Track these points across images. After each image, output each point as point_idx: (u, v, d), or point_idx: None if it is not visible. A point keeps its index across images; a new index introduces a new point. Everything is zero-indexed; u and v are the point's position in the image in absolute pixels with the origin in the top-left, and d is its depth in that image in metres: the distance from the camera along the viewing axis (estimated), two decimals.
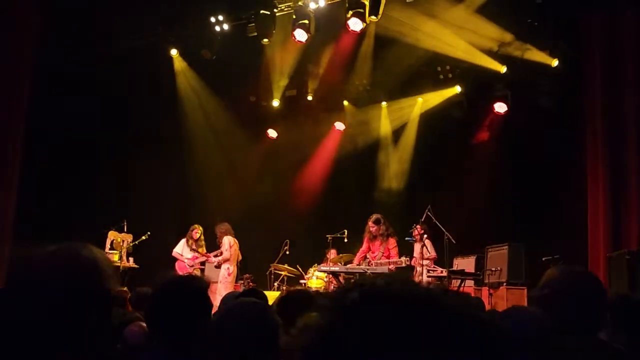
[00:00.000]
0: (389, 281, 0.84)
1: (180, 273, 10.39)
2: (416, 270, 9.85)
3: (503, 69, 10.84)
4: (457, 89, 11.84)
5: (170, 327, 2.35)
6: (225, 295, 4.71)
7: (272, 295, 6.98)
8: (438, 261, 9.82)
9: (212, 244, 11.01)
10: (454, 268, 9.62)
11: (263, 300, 3.20)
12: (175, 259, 10.95)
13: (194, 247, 10.96)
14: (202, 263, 11.16)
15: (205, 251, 11.07)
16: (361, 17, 9.60)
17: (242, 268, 11.04)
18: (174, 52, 11.99)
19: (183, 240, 11.00)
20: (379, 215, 9.83)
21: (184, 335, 2.30)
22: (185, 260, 10.87)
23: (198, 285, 2.54)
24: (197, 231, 10.95)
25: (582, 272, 2.59)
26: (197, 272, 10.79)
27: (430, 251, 9.78)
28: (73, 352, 1.31)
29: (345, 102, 13.27)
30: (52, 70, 10.41)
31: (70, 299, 1.32)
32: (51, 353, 1.29)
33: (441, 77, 11.91)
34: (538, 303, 2.45)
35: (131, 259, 11.11)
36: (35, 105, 9.94)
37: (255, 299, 2.70)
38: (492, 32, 10.24)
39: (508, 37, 10.24)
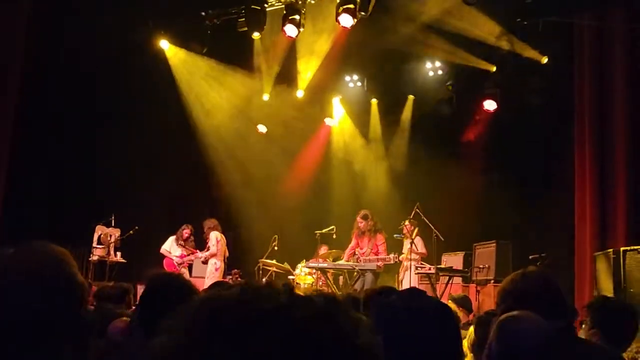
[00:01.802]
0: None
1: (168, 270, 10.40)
2: (404, 267, 9.89)
3: (493, 68, 10.88)
4: (449, 88, 11.87)
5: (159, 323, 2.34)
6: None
7: None
8: (426, 258, 9.85)
9: (200, 240, 10.99)
10: (442, 265, 9.66)
11: None
12: (163, 257, 10.91)
13: (181, 243, 10.92)
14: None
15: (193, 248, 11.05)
16: (352, 13, 9.58)
17: (231, 263, 11.02)
18: (164, 44, 11.89)
19: (171, 238, 10.96)
20: (367, 211, 9.85)
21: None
22: (174, 258, 10.83)
23: (188, 284, 2.56)
24: (188, 231, 10.92)
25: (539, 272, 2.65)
26: (185, 270, 10.77)
27: (419, 248, 9.81)
28: (44, 349, 1.31)
29: (336, 98, 13.27)
30: (43, 62, 10.33)
31: (34, 297, 1.31)
32: (21, 352, 1.28)
33: (431, 74, 11.93)
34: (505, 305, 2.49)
35: (119, 254, 11.07)
36: (25, 98, 9.87)
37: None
38: (483, 24, 10.22)
39: (498, 30, 10.24)
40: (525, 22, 9.93)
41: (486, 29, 10.19)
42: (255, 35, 10.91)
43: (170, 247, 10.89)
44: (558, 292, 2.48)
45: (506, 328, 2.17)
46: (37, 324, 1.30)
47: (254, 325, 0.76)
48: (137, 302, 2.62)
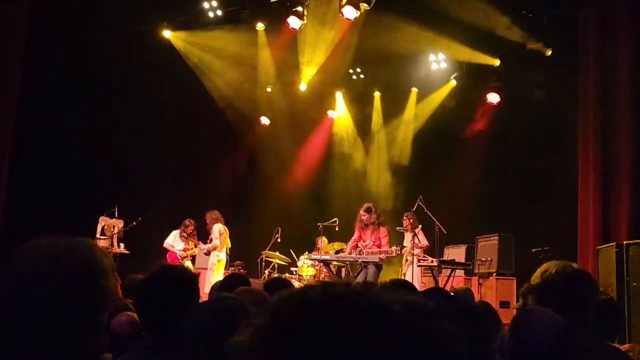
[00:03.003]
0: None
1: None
2: (406, 260, 9.91)
3: (496, 62, 10.87)
4: (453, 82, 11.86)
5: (159, 316, 2.34)
6: (213, 285, 4.73)
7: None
8: (429, 250, 9.86)
9: (203, 230, 11.00)
10: (445, 258, 9.66)
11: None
12: (166, 251, 10.93)
13: (184, 235, 10.93)
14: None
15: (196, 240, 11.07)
16: (355, 5, 9.56)
17: (234, 255, 11.04)
18: (167, 33, 11.82)
19: (175, 232, 10.96)
20: (370, 204, 9.85)
21: (172, 325, 2.29)
22: (177, 252, 10.85)
23: (188, 275, 2.53)
24: (191, 227, 10.92)
25: (579, 270, 2.61)
26: (189, 263, 10.79)
27: (421, 240, 9.82)
28: (63, 354, 1.29)
29: (339, 90, 13.25)
30: (45, 55, 10.31)
31: (59, 300, 1.28)
32: (38, 355, 1.27)
33: (435, 67, 11.90)
34: (535, 298, 2.47)
35: (122, 245, 11.09)
36: (27, 89, 9.86)
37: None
38: (488, 16, 10.17)
39: (503, 22, 10.20)
40: (530, 15, 9.89)
41: (491, 21, 10.15)
42: (259, 26, 10.89)
43: (174, 241, 10.90)
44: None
45: (520, 322, 2.20)
46: (39, 328, 1.26)
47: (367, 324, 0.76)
48: (138, 295, 2.59)
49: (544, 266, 2.52)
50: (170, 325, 2.29)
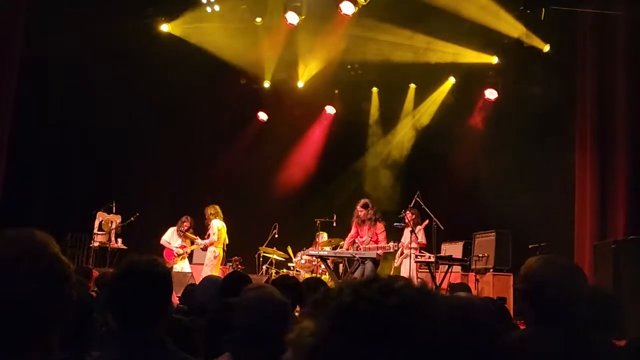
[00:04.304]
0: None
1: (168, 261, 10.44)
2: (402, 253, 9.92)
3: (494, 60, 10.88)
4: (451, 79, 11.87)
5: (132, 311, 2.28)
6: (205, 278, 4.74)
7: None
8: (426, 247, 9.87)
9: (201, 226, 11.00)
10: (442, 254, 9.68)
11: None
12: (163, 247, 10.92)
13: (181, 230, 10.91)
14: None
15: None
16: (352, 0, 9.56)
17: (231, 251, 11.03)
18: (165, 27, 11.75)
19: (172, 229, 10.93)
20: (367, 200, 9.85)
21: (146, 320, 2.25)
22: (174, 249, 10.83)
23: (160, 269, 2.39)
24: (187, 224, 10.89)
25: (566, 263, 2.59)
26: (185, 259, 10.78)
27: (420, 237, 9.82)
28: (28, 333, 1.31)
29: (337, 86, 13.24)
30: (41, 53, 10.29)
31: (14, 280, 1.30)
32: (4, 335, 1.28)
33: (432, 62, 11.88)
34: (523, 294, 2.45)
35: (120, 240, 11.10)
36: (25, 84, 9.85)
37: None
38: (486, 11, 10.17)
39: (501, 18, 10.19)
40: (529, 11, 9.89)
41: (489, 16, 10.15)
42: (258, 20, 10.87)
43: (170, 238, 10.89)
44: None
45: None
46: (20, 307, 1.28)
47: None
48: (109, 288, 2.50)
49: (529, 261, 2.51)
50: (144, 321, 2.25)
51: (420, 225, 9.99)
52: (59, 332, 1.37)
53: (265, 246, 11.07)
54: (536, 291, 2.35)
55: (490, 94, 11.26)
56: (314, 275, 9.95)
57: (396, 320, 0.88)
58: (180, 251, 10.79)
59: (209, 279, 4.67)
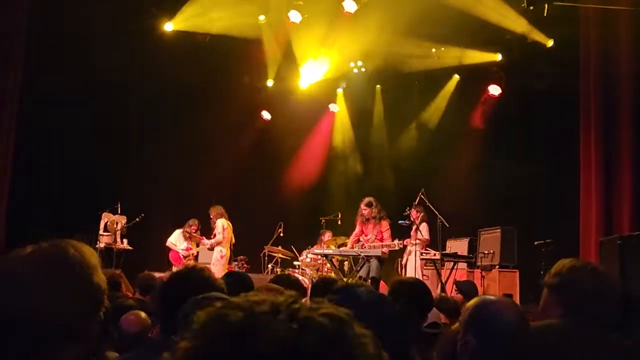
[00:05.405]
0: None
1: (174, 263, 10.47)
2: (407, 251, 9.91)
3: (497, 57, 10.87)
4: (456, 76, 11.86)
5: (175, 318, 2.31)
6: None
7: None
8: (431, 244, 9.86)
9: (206, 227, 11.02)
10: (447, 251, 9.67)
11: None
12: (169, 249, 10.94)
13: (187, 233, 10.92)
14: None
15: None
16: None
17: (237, 250, 11.05)
18: (169, 26, 11.74)
19: (178, 231, 10.95)
20: (371, 198, 9.84)
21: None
22: (180, 251, 10.86)
23: (212, 279, 2.51)
24: (194, 227, 10.92)
25: (596, 266, 2.69)
26: (191, 262, 10.79)
27: (424, 234, 9.81)
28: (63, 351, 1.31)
29: (340, 85, 13.24)
30: (45, 51, 10.30)
31: (58, 299, 1.30)
32: (39, 353, 1.28)
33: (437, 58, 11.87)
34: (554, 290, 2.51)
35: (125, 241, 11.12)
36: (28, 84, 9.87)
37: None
38: (490, 7, 10.14)
39: (505, 13, 10.17)
40: (532, 7, 9.87)
41: (493, 12, 10.13)
42: (261, 18, 10.87)
43: (177, 240, 10.91)
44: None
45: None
46: (38, 327, 1.28)
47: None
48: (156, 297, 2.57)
49: (564, 262, 2.57)
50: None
51: (423, 223, 9.93)
52: (84, 347, 1.37)
53: (271, 245, 11.09)
54: (566, 286, 2.43)
55: (494, 89, 11.24)
56: (321, 274, 9.97)
57: None
58: (186, 254, 10.81)
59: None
